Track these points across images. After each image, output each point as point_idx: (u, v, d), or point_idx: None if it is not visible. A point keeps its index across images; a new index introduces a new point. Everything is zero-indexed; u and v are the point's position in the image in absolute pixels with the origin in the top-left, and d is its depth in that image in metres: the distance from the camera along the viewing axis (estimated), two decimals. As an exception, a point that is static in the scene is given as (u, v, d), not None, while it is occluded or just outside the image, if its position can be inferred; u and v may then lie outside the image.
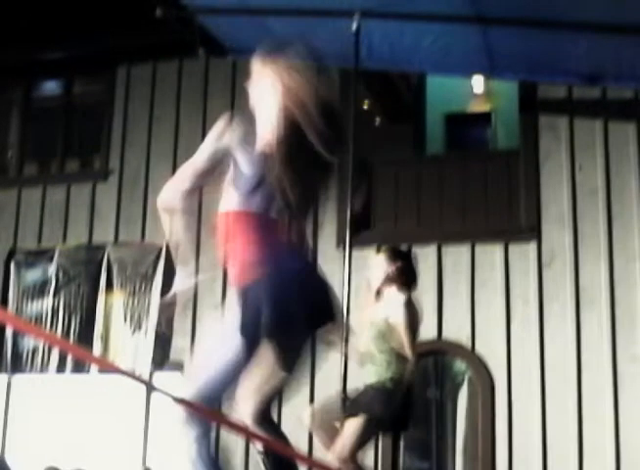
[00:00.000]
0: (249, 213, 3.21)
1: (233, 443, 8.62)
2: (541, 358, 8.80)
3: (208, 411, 3.10)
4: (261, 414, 3.26)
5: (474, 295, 9.13)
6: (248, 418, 3.24)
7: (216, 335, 3.27)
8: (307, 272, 3.32)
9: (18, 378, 10.18)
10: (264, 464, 3.39)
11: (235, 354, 3.17)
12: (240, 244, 3.21)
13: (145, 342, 9.81)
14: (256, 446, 3.41)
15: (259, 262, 3.14)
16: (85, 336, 9.99)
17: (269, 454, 3.38)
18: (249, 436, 3.29)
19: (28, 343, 10.17)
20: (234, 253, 3.23)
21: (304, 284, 3.21)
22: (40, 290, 10.40)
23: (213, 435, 3.29)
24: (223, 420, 3.13)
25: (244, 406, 3.24)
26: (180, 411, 3.13)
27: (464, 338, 9.05)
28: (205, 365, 3.21)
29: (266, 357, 3.16)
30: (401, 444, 8.94)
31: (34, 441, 9.85)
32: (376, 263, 6.11)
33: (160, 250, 9.85)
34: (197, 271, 3.39)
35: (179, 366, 9.58)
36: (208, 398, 3.17)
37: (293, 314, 3.12)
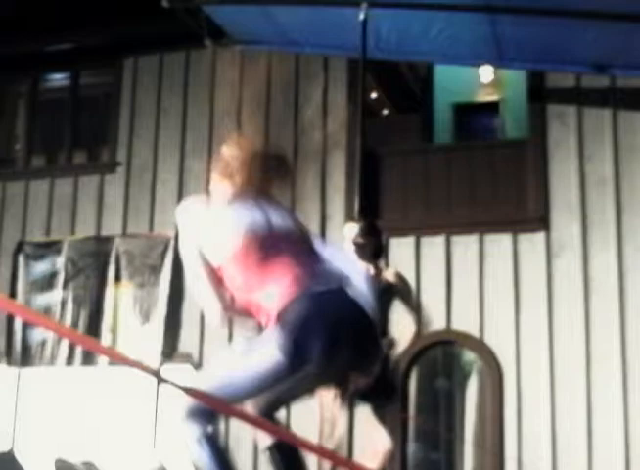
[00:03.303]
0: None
1: (242, 435, 8.62)
2: (550, 348, 8.79)
3: (217, 402, 3.08)
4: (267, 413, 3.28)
5: (482, 285, 9.11)
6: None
7: (248, 345, 3.23)
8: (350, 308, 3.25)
9: (27, 371, 10.20)
10: (271, 461, 3.38)
11: (267, 369, 3.12)
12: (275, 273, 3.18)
13: (154, 333, 9.81)
14: (262, 443, 3.39)
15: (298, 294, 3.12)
16: (94, 328, 10.00)
17: (276, 450, 3.36)
18: (259, 427, 3.28)
19: (37, 336, 10.18)
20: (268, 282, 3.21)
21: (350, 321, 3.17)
22: (49, 282, 10.41)
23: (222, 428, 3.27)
24: (233, 411, 3.12)
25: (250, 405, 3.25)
26: (183, 409, 3.10)
27: (473, 328, 9.04)
28: (224, 378, 3.17)
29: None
30: (409, 433, 8.98)
31: (43, 433, 9.88)
32: (348, 235, 5.99)
33: (169, 241, 9.86)
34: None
35: (188, 358, 9.60)
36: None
37: (341, 353, 3.11)
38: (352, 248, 5.83)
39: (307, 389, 3.38)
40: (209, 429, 3.11)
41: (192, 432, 3.10)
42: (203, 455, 3.09)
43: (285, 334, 3.02)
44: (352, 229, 5.89)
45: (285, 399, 3.37)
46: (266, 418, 3.29)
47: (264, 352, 3.09)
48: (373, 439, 5.56)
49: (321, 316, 3.07)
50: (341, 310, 3.12)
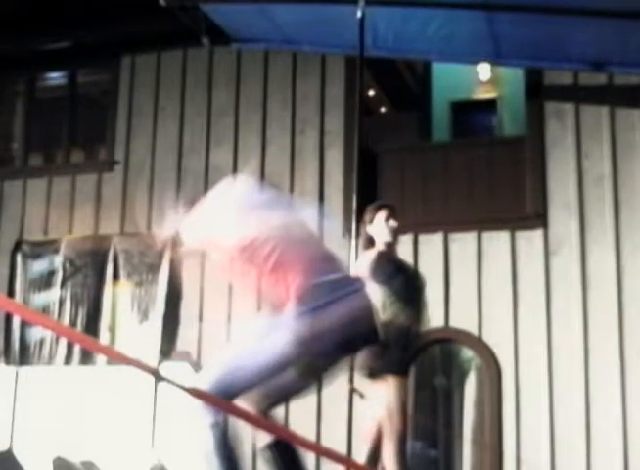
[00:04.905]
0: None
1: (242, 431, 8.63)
2: (548, 346, 8.79)
3: (217, 400, 3.09)
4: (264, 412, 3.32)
5: (480, 282, 9.11)
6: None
7: (250, 338, 3.25)
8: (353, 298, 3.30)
9: (25, 370, 10.20)
10: (269, 460, 3.39)
11: (269, 362, 3.16)
12: (289, 271, 3.23)
13: (152, 332, 9.81)
14: (260, 442, 3.42)
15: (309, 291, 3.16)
16: (92, 326, 10.00)
17: (274, 449, 3.38)
18: (258, 426, 3.29)
19: (36, 335, 10.17)
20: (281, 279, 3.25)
21: (350, 312, 3.22)
22: (47, 281, 10.40)
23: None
24: (233, 409, 3.13)
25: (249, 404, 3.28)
26: (194, 401, 3.13)
27: (471, 325, 9.04)
28: (234, 362, 3.20)
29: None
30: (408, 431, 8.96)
31: (42, 432, 9.88)
32: (378, 218, 5.94)
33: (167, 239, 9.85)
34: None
35: (186, 356, 9.60)
36: (225, 392, 3.16)
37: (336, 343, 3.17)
38: (384, 230, 5.78)
39: (305, 385, 3.40)
40: (221, 418, 3.15)
41: (205, 418, 3.13)
42: (211, 443, 3.13)
43: (302, 326, 3.07)
44: (384, 216, 5.84)
45: (283, 396, 3.39)
46: (262, 414, 3.33)
47: (276, 338, 3.14)
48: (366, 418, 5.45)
49: (339, 319, 3.14)
50: (354, 314, 3.20)
